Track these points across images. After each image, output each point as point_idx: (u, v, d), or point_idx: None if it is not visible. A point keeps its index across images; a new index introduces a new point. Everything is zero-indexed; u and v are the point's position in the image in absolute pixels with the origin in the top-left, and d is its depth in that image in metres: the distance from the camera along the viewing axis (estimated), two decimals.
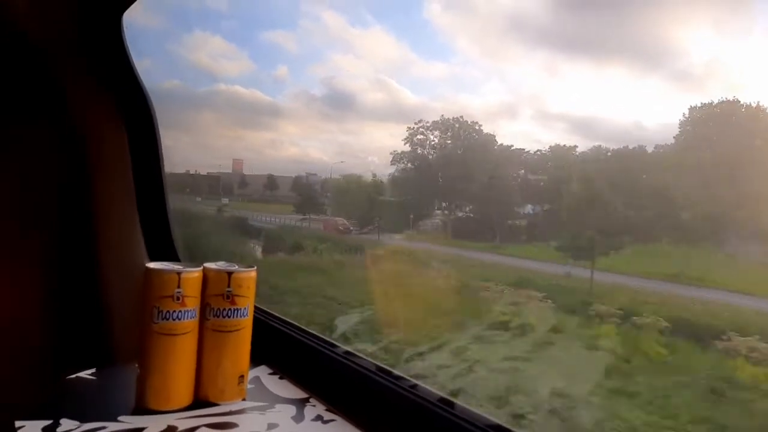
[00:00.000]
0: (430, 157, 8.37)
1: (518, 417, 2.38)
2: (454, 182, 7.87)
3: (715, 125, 5.24)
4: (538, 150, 7.61)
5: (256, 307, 0.88)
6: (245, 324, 0.85)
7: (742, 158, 4.67)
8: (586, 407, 2.47)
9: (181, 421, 0.78)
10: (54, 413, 0.78)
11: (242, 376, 0.86)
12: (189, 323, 0.81)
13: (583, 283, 4.86)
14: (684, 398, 2.76)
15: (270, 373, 0.96)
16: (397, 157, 8.56)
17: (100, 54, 1.10)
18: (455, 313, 4.11)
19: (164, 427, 0.76)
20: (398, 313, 3.85)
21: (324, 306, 4.78)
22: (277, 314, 1.08)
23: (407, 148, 8.38)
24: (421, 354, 3.16)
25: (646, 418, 2.59)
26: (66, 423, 0.76)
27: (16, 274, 1.01)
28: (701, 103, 5.30)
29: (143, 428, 0.75)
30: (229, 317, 0.83)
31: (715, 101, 5.23)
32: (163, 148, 1.19)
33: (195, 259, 0.89)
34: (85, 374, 0.94)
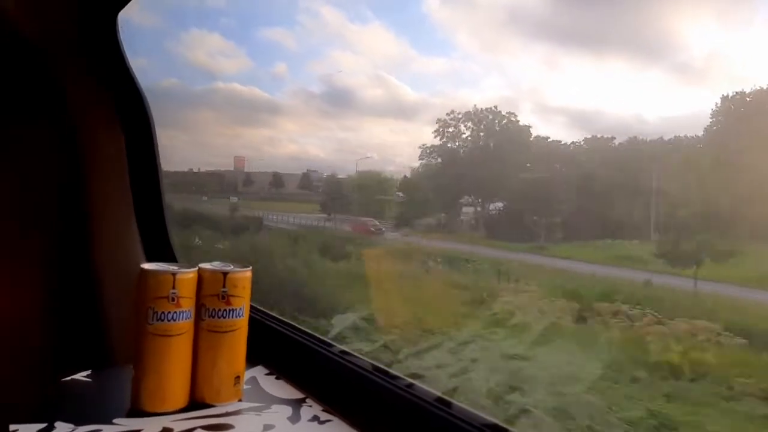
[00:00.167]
0: (462, 151, 7.88)
1: None
2: (488, 177, 7.35)
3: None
4: (573, 142, 7.25)
5: (251, 306, 0.87)
6: (241, 324, 0.84)
7: None
8: None
9: (177, 422, 0.77)
10: (49, 416, 0.77)
11: (238, 377, 0.85)
12: (184, 324, 0.80)
13: (695, 297, 3.87)
14: None
15: (266, 374, 0.95)
16: (426, 152, 8.05)
17: (98, 54, 1.09)
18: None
19: (160, 429, 0.75)
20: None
21: None
22: (272, 314, 1.08)
23: (437, 141, 7.80)
24: None
25: None
26: (61, 426, 0.75)
27: (15, 274, 1.01)
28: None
29: (139, 430, 0.75)
30: (224, 318, 0.83)
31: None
32: (160, 147, 1.19)
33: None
34: (80, 376, 0.94)
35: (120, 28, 1.10)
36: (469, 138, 7.91)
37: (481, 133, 7.79)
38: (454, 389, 2.64)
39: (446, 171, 7.86)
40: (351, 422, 0.79)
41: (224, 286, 0.82)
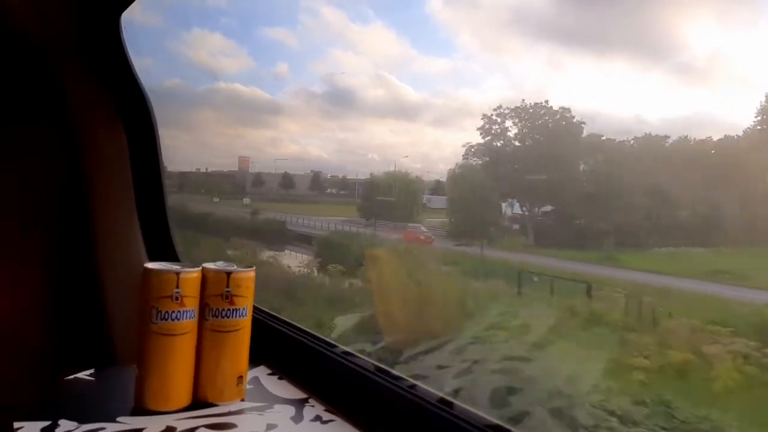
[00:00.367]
0: (508, 149, 7.18)
1: None
2: (540, 178, 6.61)
3: None
4: (623, 140, 6.74)
5: (254, 307, 0.88)
6: (244, 324, 0.85)
7: None
8: None
9: (180, 421, 0.78)
10: (52, 414, 0.78)
11: (241, 377, 0.86)
12: (188, 323, 0.81)
13: None
14: None
15: (269, 374, 0.96)
16: (469, 151, 7.32)
17: (99, 54, 1.10)
18: None
19: (163, 427, 0.76)
20: None
21: None
22: (275, 314, 1.08)
23: (480, 139, 7.05)
24: None
25: None
26: (65, 424, 0.76)
27: (16, 274, 1.01)
28: None
29: (142, 429, 0.75)
30: (228, 317, 0.83)
31: None
32: (162, 147, 1.19)
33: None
34: (83, 375, 0.94)
35: (123, 29, 1.11)
36: (516, 135, 7.22)
37: (534, 132, 7.04)
38: None
39: (494, 171, 7.16)
40: (353, 422, 0.80)
41: (228, 286, 0.83)
